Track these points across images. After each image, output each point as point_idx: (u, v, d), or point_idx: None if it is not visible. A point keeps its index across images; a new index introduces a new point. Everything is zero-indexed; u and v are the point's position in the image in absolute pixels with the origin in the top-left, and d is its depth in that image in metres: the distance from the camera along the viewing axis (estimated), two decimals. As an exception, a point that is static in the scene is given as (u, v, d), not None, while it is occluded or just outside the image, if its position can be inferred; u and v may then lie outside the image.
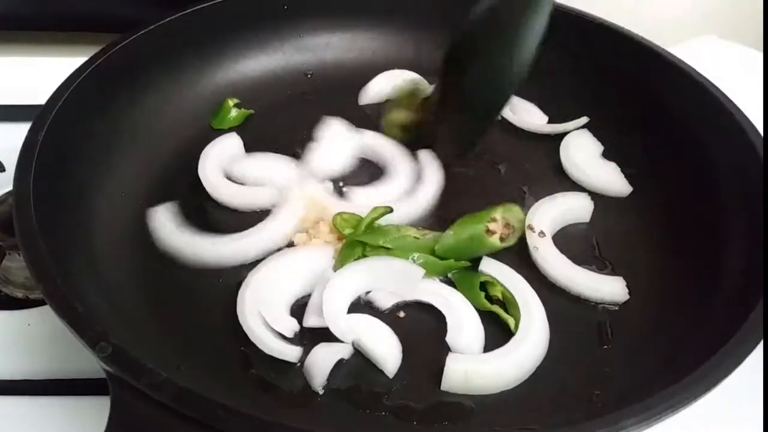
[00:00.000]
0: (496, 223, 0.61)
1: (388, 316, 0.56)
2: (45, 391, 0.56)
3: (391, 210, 0.62)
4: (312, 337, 0.54)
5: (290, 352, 0.51)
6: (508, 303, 0.57)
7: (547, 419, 0.50)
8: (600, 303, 0.59)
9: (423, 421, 0.50)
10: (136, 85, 0.69)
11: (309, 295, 0.56)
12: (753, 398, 0.55)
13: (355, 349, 0.53)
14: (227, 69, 0.78)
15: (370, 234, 0.60)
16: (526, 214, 0.63)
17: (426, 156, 0.70)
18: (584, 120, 0.75)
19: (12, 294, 0.64)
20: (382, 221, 0.61)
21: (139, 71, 0.69)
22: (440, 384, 0.51)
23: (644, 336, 0.56)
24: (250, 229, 0.61)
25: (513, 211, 0.63)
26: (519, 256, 0.61)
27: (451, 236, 0.59)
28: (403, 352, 0.53)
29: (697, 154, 0.66)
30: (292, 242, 0.62)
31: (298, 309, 0.56)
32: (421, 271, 0.56)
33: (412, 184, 0.67)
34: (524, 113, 0.78)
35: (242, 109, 0.75)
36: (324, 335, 0.53)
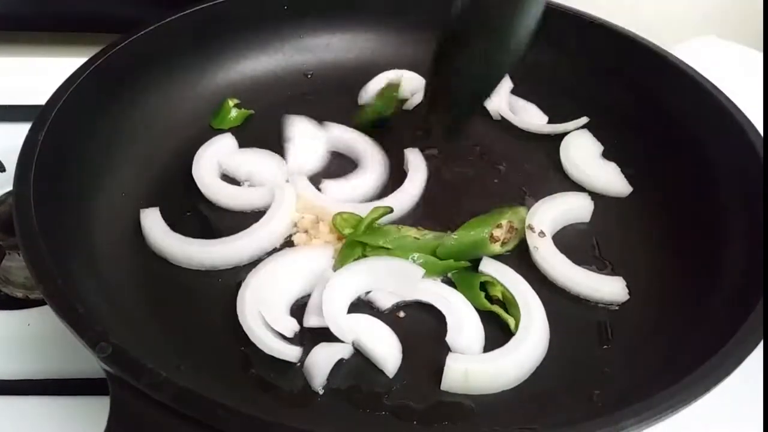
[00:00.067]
0: (501, 230, 0.61)
1: (388, 316, 0.56)
2: (45, 391, 0.56)
3: (391, 210, 0.62)
4: (312, 337, 0.54)
5: (290, 352, 0.51)
6: (508, 303, 0.57)
7: (547, 419, 0.50)
8: (600, 303, 0.59)
9: (423, 421, 0.50)
10: (136, 86, 0.69)
11: (309, 295, 0.56)
12: (753, 398, 0.55)
13: (355, 349, 0.53)
14: (227, 69, 0.78)
15: (370, 234, 0.60)
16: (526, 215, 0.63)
17: (411, 151, 0.70)
18: (584, 120, 0.75)
19: (12, 294, 0.64)
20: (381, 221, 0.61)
21: (139, 71, 0.69)
22: (440, 384, 0.51)
23: (644, 336, 0.56)
24: (241, 232, 0.60)
25: (519, 214, 0.63)
26: (519, 256, 0.61)
27: (454, 240, 0.59)
28: (403, 352, 0.53)
29: (697, 154, 0.66)
30: (292, 242, 0.62)
31: (298, 309, 0.56)
32: (421, 271, 0.56)
33: (387, 173, 0.68)
34: (524, 113, 0.78)
35: (242, 110, 0.75)
36: (324, 335, 0.53)
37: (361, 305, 0.57)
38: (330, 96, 0.78)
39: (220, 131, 0.72)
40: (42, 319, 0.60)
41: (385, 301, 0.57)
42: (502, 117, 0.77)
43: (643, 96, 0.73)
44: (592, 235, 0.65)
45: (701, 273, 0.58)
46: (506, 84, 0.80)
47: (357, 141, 0.72)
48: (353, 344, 0.53)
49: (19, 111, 0.74)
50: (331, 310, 0.53)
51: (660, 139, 0.71)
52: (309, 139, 0.71)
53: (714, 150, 0.65)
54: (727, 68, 0.84)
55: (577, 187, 0.69)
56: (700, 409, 0.42)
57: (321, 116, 0.74)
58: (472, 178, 0.71)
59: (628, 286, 0.59)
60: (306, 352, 0.52)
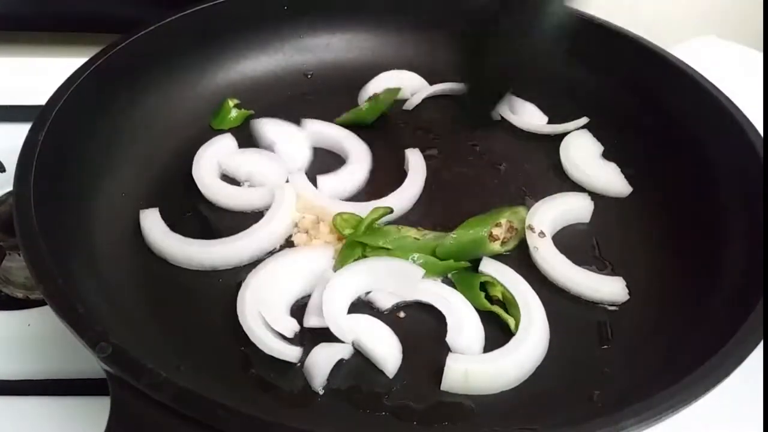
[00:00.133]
0: (500, 228, 0.61)
1: (388, 317, 0.56)
2: (45, 391, 0.56)
3: (391, 210, 0.62)
4: (312, 337, 0.54)
5: (290, 352, 0.51)
6: (508, 303, 0.57)
7: (547, 419, 0.50)
8: (600, 303, 0.59)
9: (423, 421, 0.50)
10: (136, 86, 0.69)
11: (309, 296, 0.56)
12: (753, 398, 0.55)
13: (355, 349, 0.53)
14: (227, 69, 0.78)
15: (370, 234, 0.60)
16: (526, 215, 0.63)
17: (411, 151, 0.70)
18: (584, 120, 0.75)
19: (12, 294, 0.64)
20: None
21: (140, 71, 0.69)
22: (440, 384, 0.51)
23: (644, 336, 0.56)
24: (241, 233, 0.60)
25: (518, 214, 0.63)
26: (519, 256, 0.61)
27: (453, 239, 0.59)
28: (403, 352, 0.53)
29: (697, 154, 0.66)
30: (293, 243, 0.62)
31: (298, 309, 0.56)
32: (421, 272, 0.56)
33: (372, 159, 0.70)
34: (524, 113, 0.78)
35: (242, 110, 0.75)
36: (324, 335, 0.53)
37: (361, 305, 0.57)
38: (330, 96, 0.78)
39: (220, 131, 0.72)
40: (42, 319, 0.60)
41: (385, 302, 0.57)
42: (502, 117, 0.77)
43: (643, 96, 0.73)
44: (592, 235, 0.65)
45: (701, 273, 0.58)
46: (506, 84, 0.80)
47: (337, 134, 0.72)
48: (353, 344, 0.53)
49: (19, 111, 0.74)
50: (331, 311, 0.53)
51: (660, 139, 0.71)
52: (292, 138, 0.71)
53: (714, 150, 0.65)
54: (727, 68, 0.84)
55: (577, 187, 0.69)
56: (700, 409, 0.42)
57: (321, 116, 0.74)
58: (472, 178, 0.71)
59: (628, 286, 0.59)
60: (306, 353, 0.52)
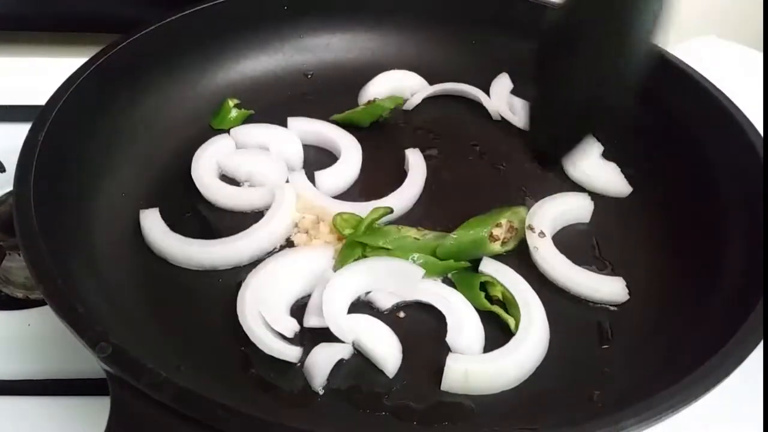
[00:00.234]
0: (500, 229, 0.61)
1: (388, 317, 0.56)
2: (45, 391, 0.56)
3: (391, 210, 0.62)
4: (312, 337, 0.54)
5: (290, 352, 0.51)
6: (508, 303, 0.57)
7: (547, 419, 0.50)
8: (600, 303, 0.59)
9: (423, 421, 0.50)
10: (136, 86, 0.69)
11: (309, 296, 0.56)
12: (753, 398, 0.55)
13: (355, 349, 0.53)
14: (227, 69, 0.78)
15: (371, 234, 0.60)
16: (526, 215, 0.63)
17: (411, 151, 0.70)
18: (584, 120, 0.75)
19: (12, 294, 0.64)
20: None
21: (140, 71, 0.69)
22: (440, 384, 0.51)
23: (644, 336, 0.56)
24: (241, 233, 0.60)
25: (519, 214, 0.63)
26: (519, 256, 0.61)
27: (453, 239, 0.59)
28: (403, 352, 0.53)
29: (696, 154, 0.66)
30: (293, 243, 0.62)
31: (298, 309, 0.56)
32: (421, 272, 0.56)
33: (360, 151, 0.70)
34: (524, 113, 0.78)
35: (242, 110, 0.75)
36: (324, 335, 0.53)
37: (361, 305, 0.57)
38: (330, 96, 0.78)
39: (220, 131, 0.72)
40: (42, 319, 0.60)
41: (385, 302, 0.57)
42: (502, 117, 0.77)
43: (643, 96, 0.73)
44: (592, 235, 0.65)
45: (701, 273, 0.58)
46: (506, 84, 0.80)
47: (323, 129, 0.72)
48: (353, 344, 0.53)
49: (19, 111, 0.74)
50: (331, 311, 0.53)
51: (660, 139, 0.70)
52: (281, 139, 0.71)
53: (714, 150, 0.65)
54: (727, 68, 0.84)
55: (577, 187, 0.69)
56: (700, 409, 0.42)
57: (321, 116, 0.74)
58: (472, 178, 0.71)
59: (628, 286, 0.59)
60: (306, 353, 0.52)
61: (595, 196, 0.67)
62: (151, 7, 0.75)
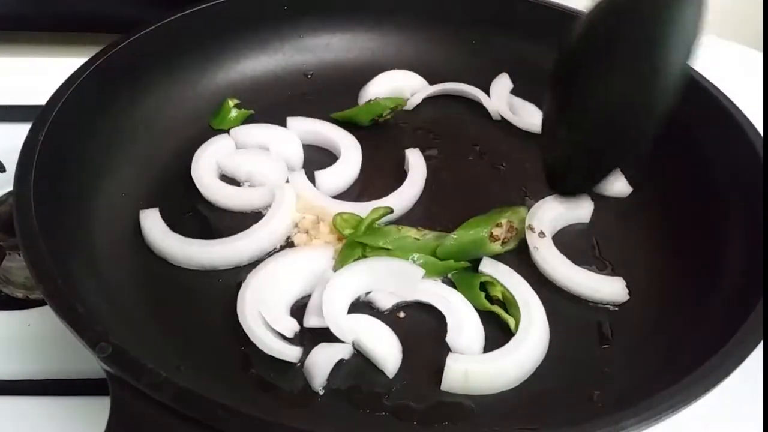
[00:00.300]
0: (500, 229, 0.61)
1: (388, 317, 0.56)
2: (45, 391, 0.56)
3: (391, 210, 0.62)
4: (312, 337, 0.54)
5: (290, 352, 0.51)
6: (508, 303, 0.57)
7: (547, 419, 0.50)
8: (600, 303, 0.59)
9: (423, 421, 0.50)
10: (136, 86, 0.69)
11: (309, 296, 0.56)
12: (753, 398, 0.55)
13: (355, 349, 0.53)
14: (227, 69, 0.78)
15: (371, 235, 0.60)
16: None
17: (411, 151, 0.70)
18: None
19: (12, 294, 0.64)
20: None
21: (140, 71, 0.69)
22: (440, 384, 0.51)
23: (644, 336, 0.56)
24: (241, 233, 0.60)
25: (519, 214, 0.63)
26: (519, 256, 0.61)
27: (453, 239, 0.59)
28: (403, 352, 0.53)
29: (696, 154, 0.66)
30: (293, 243, 0.62)
31: (299, 309, 0.56)
32: (421, 272, 0.56)
33: (360, 149, 0.70)
34: (524, 113, 0.78)
35: (242, 110, 0.75)
36: (324, 335, 0.53)
37: (361, 305, 0.57)
38: (330, 96, 0.78)
39: (220, 131, 0.72)
40: (42, 319, 0.60)
41: (385, 302, 0.57)
42: (502, 117, 0.77)
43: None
44: (592, 235, 0.65)
45: (701, 273, 0.58)
46: (506, 84, 0.80)
47: (326, 130, 0.72)
48: (353, 344, 0.53)
49: (19, 111, 0.74)
50: (331, 311, 0.53)
51: (660, 139, 0.70)
52: (281, 139, 0.71)
53: (714, 150, 0.65)
54: (727, 68, 0.84)
55: (577, 187, 0.69)
56: (700, 409, 0.42)
57: (321, 116, 0.74)
58: (472, 178, 0.71)
59: (628, 286, 0.59)
60: (306, 353, 0.52)
61: (595, 196, 0.67)
62: (151, 7, 0.75)
